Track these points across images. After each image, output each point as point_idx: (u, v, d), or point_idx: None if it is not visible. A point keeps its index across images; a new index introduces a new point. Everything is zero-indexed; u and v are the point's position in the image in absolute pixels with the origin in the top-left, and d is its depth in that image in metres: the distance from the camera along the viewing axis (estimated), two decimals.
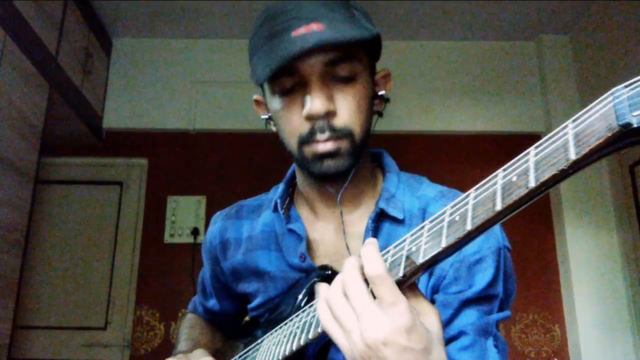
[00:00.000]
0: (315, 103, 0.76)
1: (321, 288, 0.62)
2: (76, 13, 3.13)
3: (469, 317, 0.77)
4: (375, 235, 0.86)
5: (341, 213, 0.88)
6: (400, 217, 0.86)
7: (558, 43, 3.72)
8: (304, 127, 0.79)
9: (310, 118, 0.78)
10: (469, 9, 3.46)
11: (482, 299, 0.78)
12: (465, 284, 0.79)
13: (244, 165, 3.57)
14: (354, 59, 0.79)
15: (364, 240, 0.86)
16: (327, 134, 0.78)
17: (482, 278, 0.78)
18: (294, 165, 0.97)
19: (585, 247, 3.30)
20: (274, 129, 0.89)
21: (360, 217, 0.89)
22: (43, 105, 2.77)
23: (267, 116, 0.90)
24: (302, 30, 0.73)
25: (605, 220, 3.31)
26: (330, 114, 0.78)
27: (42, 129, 2.75)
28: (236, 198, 1.10)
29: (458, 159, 3.62)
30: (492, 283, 0.78)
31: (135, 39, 3.80)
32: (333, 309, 0.57)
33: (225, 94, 3.67)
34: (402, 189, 0.90)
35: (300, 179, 0.94)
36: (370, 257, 0.55)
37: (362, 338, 0.53)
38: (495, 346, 0.77)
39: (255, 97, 0.94)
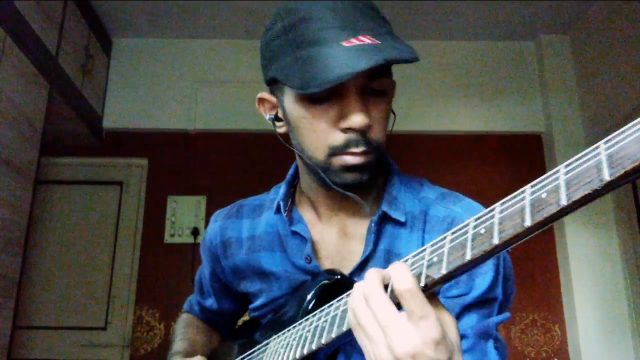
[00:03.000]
0: (357, 117, 0.76)
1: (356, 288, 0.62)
2: (76, 13, 3.13)
3: (470, 321, 0.78)
4: (377, 238, 0.86)
5: (373, 222, 0.88)
6: (402, 219, 0.86)
7: (558, 43, 3.72)
8: (338, 138, 0.79)
9: (348, 130, 0.78)
10: (469, 9, 3.46)
11: (482, 302, 0.79)
12: (465, 287, 0.79)
13: (244, 165, 3.57)
14: (389, 74, 0.80)
15: (366, 243, 0.86)
16: (362, 148, 0.78)
17: (482, 282, 0.79)
18: (294, 166, 0.97)
19: (585, 247, 3.31)
20: (280, 130, 0.88)
21: (361, 220, 0.89)
22: (43, 105, 2.77)
23: (272, 116, 0.89)
24: (354, 41, 0.73)
25: (605, 221, 3.32)
26: (367, 128, 0.78)
27: (42, 129, 2.75)
28: (236, 198, 1.09)
29: (458, 159, 3.63)
30: (491, 287, 0.79)
31: (135, 39, 3.79)
32: (357, 318, 0.57)
33: (225, 94, 3.67)
34: (404, 192, 0.90)
35: (305, 182, 0.93)
36: (400, 272, 0.54)
37: (391, 351, 0.53)
38: (496, 348, 0.77)
39: (260, 95, 0.91)
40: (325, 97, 0.78)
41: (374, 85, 0.78)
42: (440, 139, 3.69)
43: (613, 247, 3.29)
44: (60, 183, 3.56)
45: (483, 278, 0.79)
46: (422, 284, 0.55)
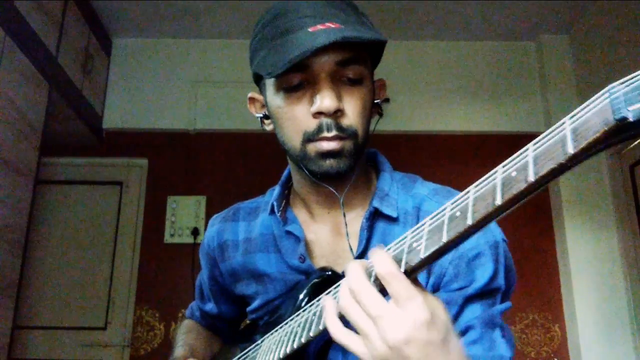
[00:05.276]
0: (326, 99, 0.77)
1: (328, 299, 0.63)
2: (76, 13, 3.14)
3: (474, 312, 0.78)
4: (369, 234, 0.87)
5: (344, 214, 0.89)
6: (394, 215, 0.86)
7: (558, 43, 3.72)
8: (311, 124, 0.80)
9: (319, 114, 0.79)
10: (469, 9, 3.46)
11: (485, 293, 0.79)
12: (466, 280, 0.79)
13: (244, 165, 3.57)
14: (362, 63, 0.81)
15: (359, 240, 0.86)
16: (333, 132, 0.79)
17: (483, 273, 0.79)
18: (289, 167, 0.97)
19: (585, 247, 3.30)
20: (267, 128, 0.91)
21: (355, 217, 0.90)
22: (43, 105, 2.78)
23: (261, 115, 0.91)
24: (319, 27, 0.75)
25: (605, 220, 3.31)
26: (338, 113, 0.79)
27: (42, 129, 2.76)
28: (236, 198, 1.10)
29: (458, 159, 3.62)
30: (493, 277, 0.79)
31: (135, 39, 3.81)
32: (349, 316, 0.57)
33: (225, 94, 3.68)
34: (396, 188, 0.91)
35: (297, 180, 0.94)
36: (379, 257, 0.55)
37: (384, 340, 0.53)
38: (503, 336, 0.77)
39: (250, 94, 0.94)
40: (299, 84, 0.80)
41: (348, 74, 0.80)
42: (440, 139, 3.69)
43: (613, 247, 3.27)
44: (60, 183, 3.57)
45: (483, 269, 0.79)
46: (403, 269, 0.56)
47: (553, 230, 3.49)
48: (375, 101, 0.88)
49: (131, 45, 3.80)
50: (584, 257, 3.29)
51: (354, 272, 0.57)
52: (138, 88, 3.72)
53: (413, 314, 0.52)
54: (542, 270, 3.42)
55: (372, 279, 0.57)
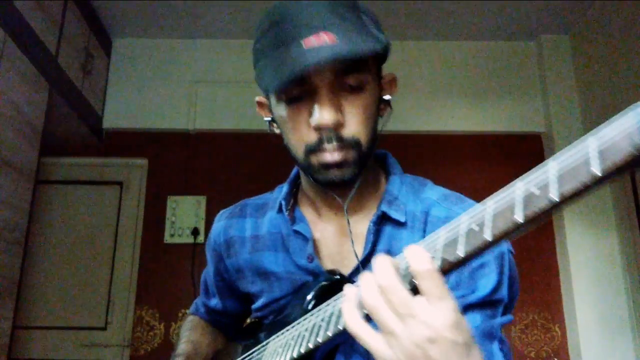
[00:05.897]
0: (324, 114, 0.76)
1: (350, 292, 0.60)
2: (76, 13, 3.12)
3: (473, 321, 0.76)
4: (376, 238, 0.86)
5: (348, 222, 0.88)
6: (402, 220, 0.85)
7: (558, 43, 3.72)
8: (312, 137, 0.79)
9: (318, 128, 0.78)
10: (469, 9, 3.46)
11: (486, 304, 0.78)
12: (467, 289, 0.78)
13: (244, 165, 3.57)
14: (364, 69, 0.79)
15: (365, 243, 0.85)
16: (334, 144, 0.78)
17: (486, 283, 0.78)
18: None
19: (585, 247, 3.30)
20: (277, 131, 0.89)
21: (362, 220, 0.89)
22: (43, 105, 2.77)
23: (270, 118, 0.90)
24: (312, 40, 0.73)
25: (605, 221, 3.31)
26: (338, 125, 0.78)
27: (42, 129, 2.75)
28: (236, 198, 1.09)
29: (458, 159, 3.62)
30: (496, 288, 0.78)
31: (135, 39, 3.79)
32: (374, 315, 0.55)
33: (225, 94, 3.67)
34: (405, 192, 0.89)
35: (304, 181, 0.94)
36: (418, 254, 0.53)
37: (410, 339, 0.52)
38: (501, 349, 0.76)
39: (257, 99, 0.93)
40: (299, 96, 0.79)
41: (349, 81, 0.78)
42: (440, 139, 3.69)
43: (613, 247, 3.28)
44: (60, 183, 3.56)
45: (487, 280, 0.78)
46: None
47: (553, 231, 3.49)
48: (385, 97, 0.87)
49: (131, 45, 3.79)
50: (584, 257, 3.29)
51: (384, 268, 0.55)
52: (138, 88, 3.70)
53: (443, 314, 0.51)
54: (542, 270, 3.43)
55: (403, 274, 0.55)
